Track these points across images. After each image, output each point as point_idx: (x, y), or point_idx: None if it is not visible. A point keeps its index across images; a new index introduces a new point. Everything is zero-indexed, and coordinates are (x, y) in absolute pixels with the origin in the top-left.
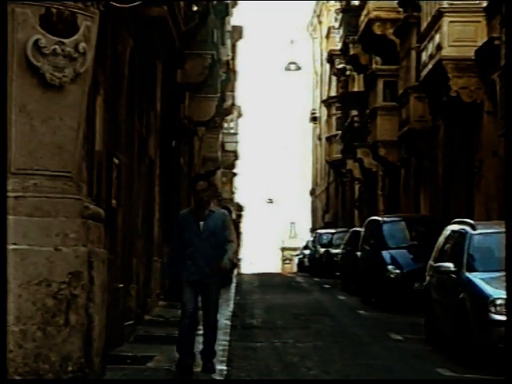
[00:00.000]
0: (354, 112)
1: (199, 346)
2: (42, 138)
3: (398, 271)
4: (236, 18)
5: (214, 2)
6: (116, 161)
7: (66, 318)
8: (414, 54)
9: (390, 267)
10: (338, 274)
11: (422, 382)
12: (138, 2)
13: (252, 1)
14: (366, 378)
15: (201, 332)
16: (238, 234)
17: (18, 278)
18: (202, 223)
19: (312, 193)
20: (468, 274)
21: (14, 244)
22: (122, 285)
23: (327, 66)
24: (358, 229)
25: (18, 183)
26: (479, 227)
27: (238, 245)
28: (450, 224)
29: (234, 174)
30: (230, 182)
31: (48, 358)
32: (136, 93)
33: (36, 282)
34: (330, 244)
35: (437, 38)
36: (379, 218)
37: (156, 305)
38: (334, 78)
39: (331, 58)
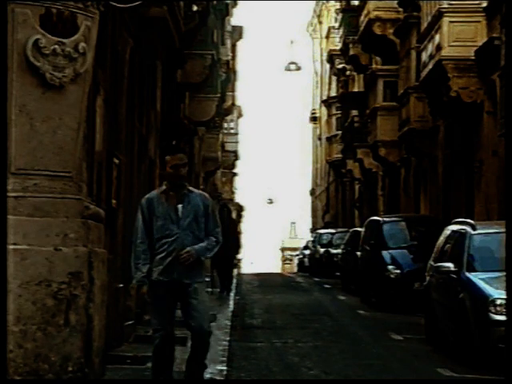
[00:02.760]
0: (354, 112)
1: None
2: (42, 138)
3: (398, 271)
4: (236, 18)
5: (214, 2)
6: (116, 161)
7: (66, 318)
8: (414, 54)
9: (390, 267)
10: (338, 274)
11: (422, 382)
12: (138, 2)
13: (252, 1)
14: (366, 378)
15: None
16: (237, 233)
17: (18, 278)
18: (180, 206)
19: (312, 193)
20: (468, 274)
21: (14, 244)
22: (121, 285)
23: (327, 66)
24: (358, 229)
25: (18, 183)
26: (479, 227)
27: (238, 246)
28: (450, 224)
29: (234, 174)
30: (230, 182)
31: (48, 358)
32: (136, 93)
33: (36, 282)
34: (330, 244)
35: (437, 38)
36: (379, 218)
37: None
38: (334, 78)
39: (331, 58)
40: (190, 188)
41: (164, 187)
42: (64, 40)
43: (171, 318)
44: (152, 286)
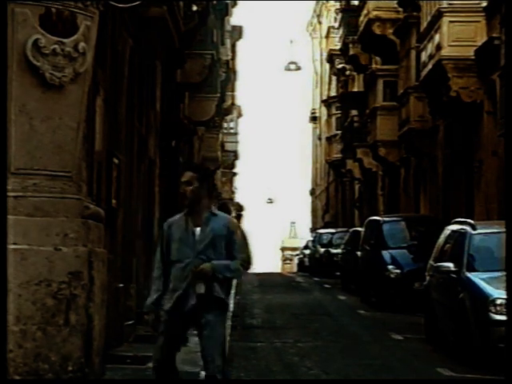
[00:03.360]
0: (354, 112)
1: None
2: (41, 137)
3: (398, 271)
4: (236, 17)
5: (214, 2)
6: (116, 160)
7: (66, 317)
8: (413, 53)
9: (390, 267)
10: (338, 273)
11: (421, 382)
12: (137, 2)
13: (252, 1)
14: (365, 378)
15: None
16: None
17: (18, 278)
18: (197, 229)
19: (312, 193)
20: (468, 274)
21: (14, 244)
22: (122, 284)
23: (327, 66)
24: (358, 229)
25: (17, 183)
26: (479, 227)
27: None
28: (450, 224)
29: (234, 174)
30: (230, 181)
31: (48, 357)
32: (136, 92)
33: (36, 282)
34: (330, 244)
35: (436, 37)
36: (379, 218)
37: None
38: (333, 78)
39: (331, 57)
40: (215, 211)
41: (186, 210)
42: (64, 40)
43: (172, 357)
44: (163, 316)
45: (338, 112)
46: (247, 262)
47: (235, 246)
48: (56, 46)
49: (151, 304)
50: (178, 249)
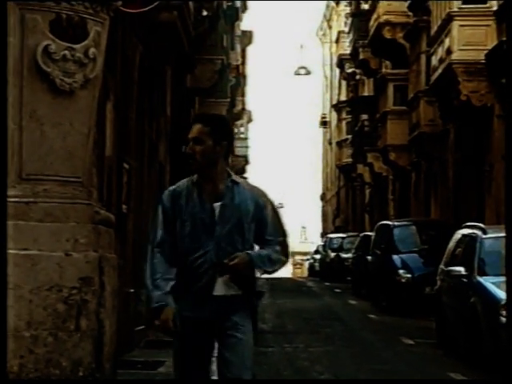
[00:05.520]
0: (364, 116)
1: None
2: (52, 143)
3: (408, 275)
4: (246, 22)
5: (224, 7)
6: (126, 166)
7: (77, 323)
8: (423, 57)
9: (400, 271)
10: (348, 278)
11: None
12: (147, 8)
13: (262, 6)
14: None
15: None
16: None
17: (28, 284)
18: (217, 205)
19: (322, 197)
20: (479, 278)
21: (25, 249)
22: (132, 290)
23: (337, 71)
24: (368, 233)
25: (28, 189)
26: (490, 231)
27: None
28: (460, 228)
29: (245, 179)
30: None
31: (59, 363)
32: (146, 98)
33: (47, 288)
34: (340, 248)
35: (447, 41)
36: (390, 223)
37: None
38: (343, 83)
39: (341, 62)
40: (236, 178)
41: (196, 176)
42: (74, 45)
43: (203, 371)
44: (176, 325)
45: (349, 116)
46: (286, 248)
47: (268, 226)
48: (66, 52)
49: (163, 295)
50: (190, 233)
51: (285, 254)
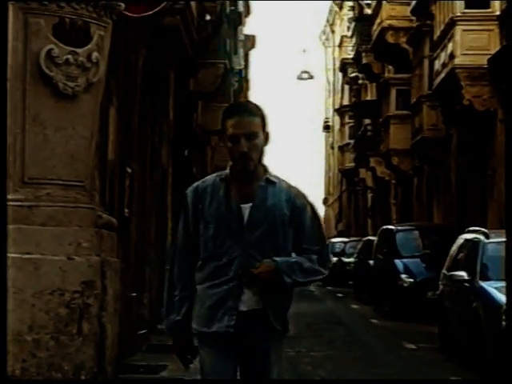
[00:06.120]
0: (367, 121)
1: None
2: (54, 147)
3: (411, 280)
4: (249, 27)
5: (227, 12)
6: (129, 170)
7: (79, 327)
8: (426, 62)
9: (403, 276)
10: (350, 282)
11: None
12: (151, 12)
13: (265, 10)
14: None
15: None
16: None
17: (31, 288)
18: (247, 207)
19: (325, 202)
20: (481, 283)
21: (28, 253)
22: (134, 294)
23: (340, 75)
24: (370, 238)
25: (31, 193)
26: (493, 236)
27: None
28: (463, 233)
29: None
30: None
31: (61, 367)
32: (149, 102)
33: (49, 292)
34: (342, 253)
35: (450, 46)
36: (392, 227)
37: None
38: (346, 87)
39: (344, 66)
40: (272, 177)
41: (227, 171)
42: (77, 49)
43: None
44: (197, 343)
45: (351, 121)
46: (326, 258)
47: (306, 232)
48: (69, 56)
49: (175, 322)
50: (213, 236)
51: (322, 264)
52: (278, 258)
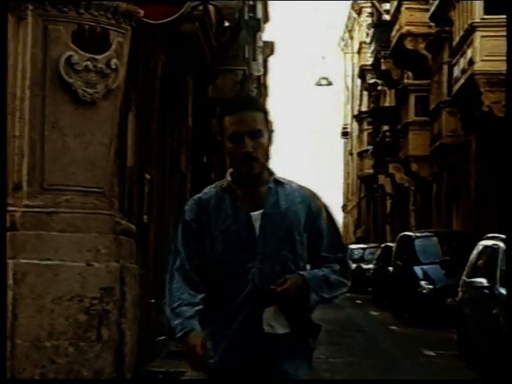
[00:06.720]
0: (386, 127)
1: None
2: (74, 153)
3: (430, 286)
4: (268, 33)
5: (246, 18)
6: (147, 176)
7: (98, 333)
8: (445, 68)
9: (422, 282)
10: (369, 289)
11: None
12: (169, 19)
13: (284, 16)
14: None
15: None
16: None
17: (50, 294)
18: (257, 215)
19: (343, 208)
20: (501, 290)
21: (47, 259)
22: (153, 300)
23: (358, 81)
24: (389, 244)
25: (50, 199)
26: None
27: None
28: (482, 239)
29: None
30: None
31: (80, 373)
32: (167, 108)
33: (68, 298)
34: (361, 259)
35: (469, 52)
36: (411, 234)
37: None
38: (365, 93)
39: (363, 72)
40: (279, 178)
41: (228, 179)
42: (96, 56)
43: None
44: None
45: (370, 127)
46: (347, 268)
47: (324, 239)
48: (88, 63)
49: (187, 319)
50: (223, 253)
51: (345, 275)
52: (303, 272)
